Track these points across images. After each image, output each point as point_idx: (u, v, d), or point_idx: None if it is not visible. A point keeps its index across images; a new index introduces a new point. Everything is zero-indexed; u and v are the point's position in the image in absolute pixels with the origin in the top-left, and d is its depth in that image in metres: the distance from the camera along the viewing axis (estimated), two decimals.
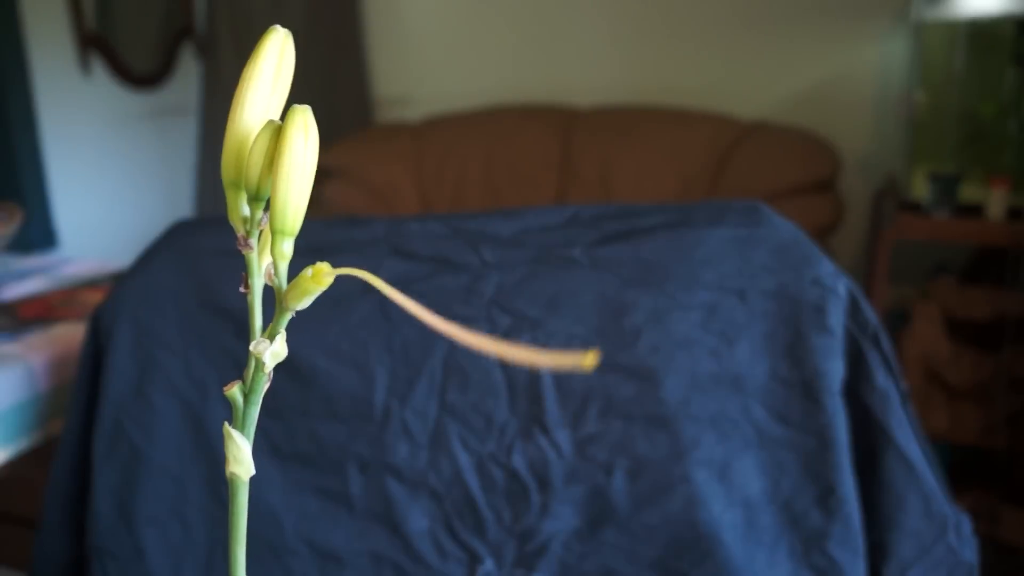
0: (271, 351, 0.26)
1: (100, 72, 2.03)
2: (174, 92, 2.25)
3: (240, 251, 0.27)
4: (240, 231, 0.27)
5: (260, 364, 0.27)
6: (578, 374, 0.74)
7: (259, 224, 0.27)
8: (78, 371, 0.85)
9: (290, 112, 0.25)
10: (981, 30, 1.61)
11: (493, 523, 0.75)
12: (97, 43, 2.00)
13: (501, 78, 2.26)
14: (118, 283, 0.86)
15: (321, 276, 0.25)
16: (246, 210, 0.27)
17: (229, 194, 0.27)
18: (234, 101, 0.26)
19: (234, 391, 0.27)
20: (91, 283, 1.33)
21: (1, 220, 1.43)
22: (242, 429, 0.27)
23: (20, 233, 1.63)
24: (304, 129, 0.25)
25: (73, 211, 1.96)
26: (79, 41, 1.96)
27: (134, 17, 2.13)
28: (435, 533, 0.75)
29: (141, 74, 2.13)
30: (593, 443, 0.74)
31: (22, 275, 1.38)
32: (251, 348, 0.27)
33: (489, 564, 0.74)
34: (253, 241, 0.27)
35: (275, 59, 0.26)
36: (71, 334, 1.09)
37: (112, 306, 0.83)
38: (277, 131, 0.26)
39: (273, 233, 0.26)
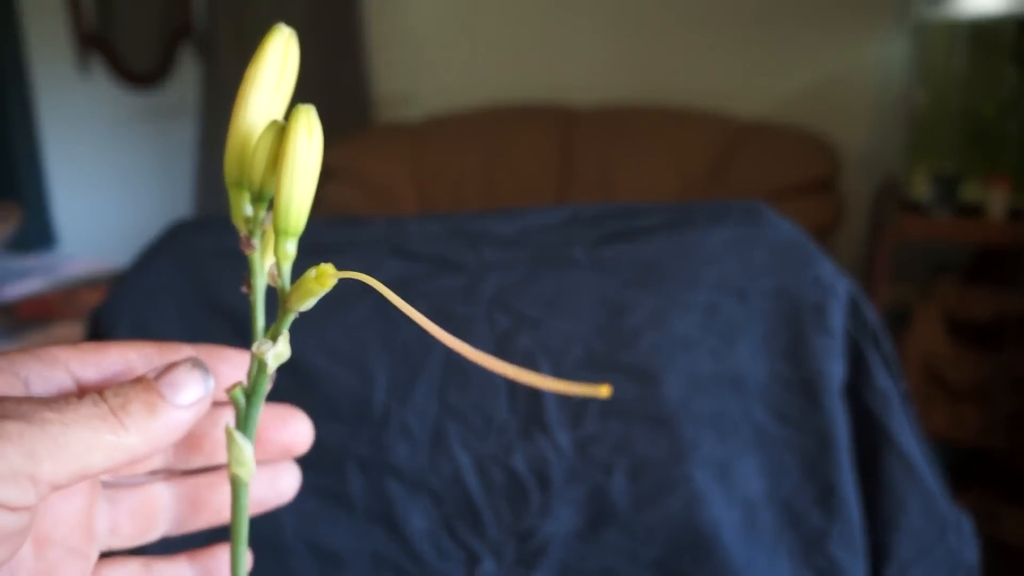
0: (274, 352, 0.26)
1: (99, 71, 2.03)
2: (173, 92, 2.25)
3: (241, 251, 0.27)
4: (243, 231, 0.27)
5: (263, 365, 0.27)
6: (579, 375, 0.74)
7: (262, 224, 0.26)
8: None
9: (294, 112, 0.25)
10: (981, 30, 1.60)
11: (493, 523, 0.75)
12: (96, 42, 2.00)
13: (501, 76, 2.26)
14: (117, 283, 0.85)
15: (325, 277, 0.25)
16: (248, 210, 0.27)
17: (232, 193, 0.27)
18: (236, 100, 0.26)
19: (236, 392, 0.27)
20: (90, 283, 1.33)
21: None
22: (244, 430, 0.27)
23: (18, 232, 1.62)
24: (308, 129, 0.25)
25: (72, 210, 1.95)
26: (78, 40, 1.96)
27: (133, 16, 2.13)
28: (435, 533, 0.75)
29: (140, 73, 2.12)
30: (593, 443, 0.73)
31: (21, 274, 1.38)
32: (253, 349, 0.26)
33: (489, 564, 0.74)
34: (256, 241, 0.26)
35: (279, 58, 0.26)
36: (69, 334, 1.09)
37: (111, 306, 0.83)
38: (281, 131, 0.25)
39: (277, 233, 0.26)
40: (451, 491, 0.75)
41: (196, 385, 0.25)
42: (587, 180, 1.95)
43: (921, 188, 1.61)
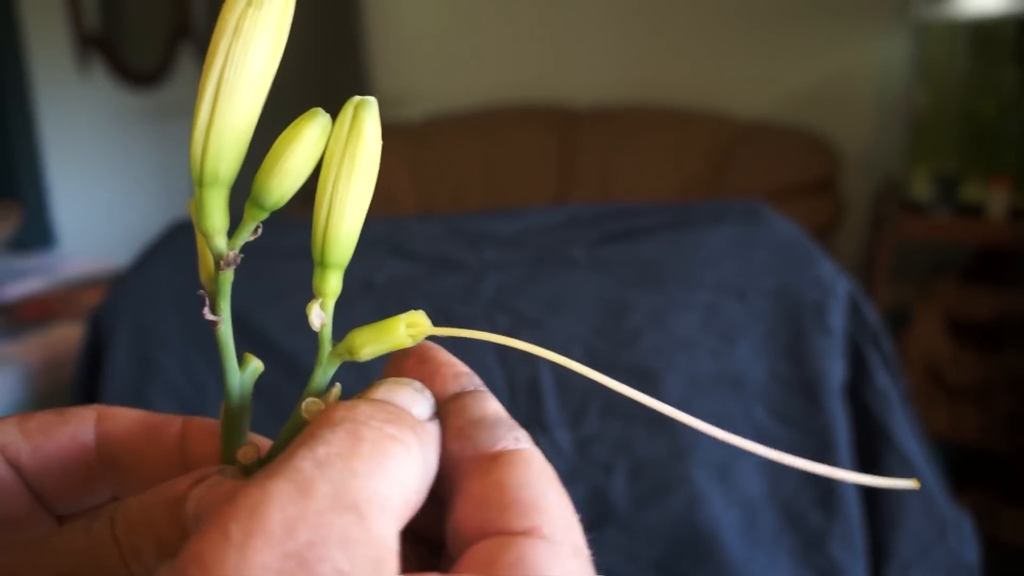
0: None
1: (100, 71, 2.03)
2: (174, 92, 2.25)
3: (219, 268, 0.21)
4: (219, 244, 0.20)
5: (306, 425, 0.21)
6: (578, 374, 0.74)
7: (252, 236, 0.20)
8: (76, 372, 0.85)
9: (358, 105, 0.20)
10: (981, 30, 1.60)
11: None
12: (97, 42, 1.99)
13: (501, 75, 2.26)
14: (117, 283, 0.85)
15: (419, 331, 0.20)
16: (219, 220, 0.20)
17: (205, 195, 0.19)
18: (228, 62, 0.18)
19: (253, 465, 0.21)
20: (89, 283, 1.33)
21: None
22: None
23: (18, 232, 1.62)
24: (377, 131, 0.20)
25: (72, 210, 1.95)
26: (78, 39, 1.95)
27: (133, 16, 2.13)
28: None
29: (141, 73, 2.12)
30: (593, 443, 0.73)
31: (20, 274, 1.38)
32: (303, 408, 0.21)
33: None
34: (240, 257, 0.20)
35: (280, 7, 0.18)
36: (69, 334, 1.09)
37: (111, 306, 0.83)
38: (327, 127, 0.20)
39: (324, 266, 0.21)
40: None
41: None
42: (587, 180, 1.95)
43: (921, 188, 1.61)
